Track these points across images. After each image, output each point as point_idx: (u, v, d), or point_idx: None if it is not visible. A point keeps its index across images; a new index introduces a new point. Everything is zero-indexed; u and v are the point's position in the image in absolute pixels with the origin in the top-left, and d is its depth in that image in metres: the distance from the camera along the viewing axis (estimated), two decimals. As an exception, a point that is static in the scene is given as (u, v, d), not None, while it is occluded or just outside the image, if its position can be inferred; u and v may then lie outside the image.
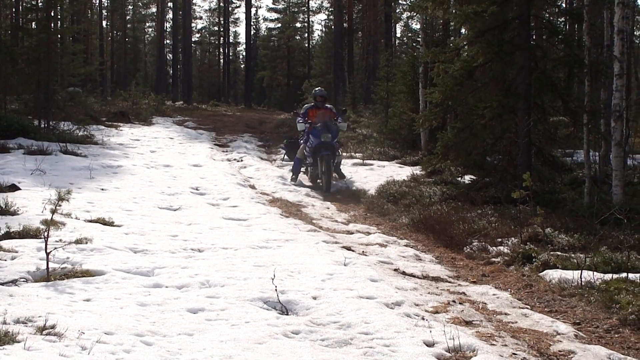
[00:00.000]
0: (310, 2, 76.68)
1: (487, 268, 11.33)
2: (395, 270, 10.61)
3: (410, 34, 59.82)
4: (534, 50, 16.45)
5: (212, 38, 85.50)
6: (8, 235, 10.23)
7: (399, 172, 21.13)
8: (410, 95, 26.59)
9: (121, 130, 29.65)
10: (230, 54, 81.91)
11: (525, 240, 11.96)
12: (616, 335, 7.98)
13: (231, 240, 11.64)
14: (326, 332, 7.18)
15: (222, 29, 78.79)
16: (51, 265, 8.56)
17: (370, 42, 53.14)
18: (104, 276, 8.69)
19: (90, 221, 11.95)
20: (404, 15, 60.14)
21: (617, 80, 14.02)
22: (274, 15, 78.18)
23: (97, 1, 63.79)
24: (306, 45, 74.47)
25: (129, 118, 33.90)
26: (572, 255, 10.97)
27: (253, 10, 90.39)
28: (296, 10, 76.46)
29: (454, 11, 18.04)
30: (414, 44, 44.23)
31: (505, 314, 8.64)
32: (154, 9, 75.60)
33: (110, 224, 11.99)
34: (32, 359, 5.72)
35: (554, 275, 10.20)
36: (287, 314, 7.87)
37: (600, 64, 16.33)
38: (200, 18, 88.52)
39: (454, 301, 8.89)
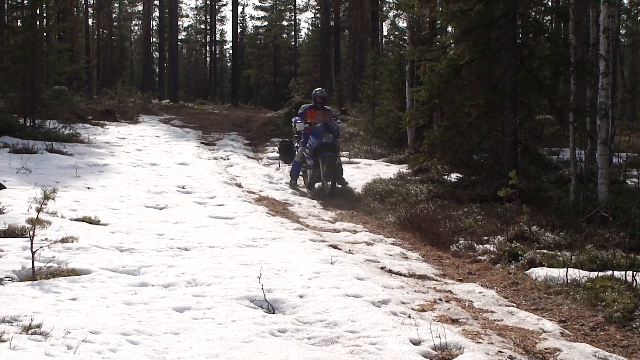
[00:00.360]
0: (297, 0, 76.54)
1: (474, 266, 11.36)
2: (381, 268, 10.62)
3: (396, 32, 59.79)
4: (520, 49, 16.48)
5: (198, 36, 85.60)
6: (-7, 234, 10.20)
7: (386, 170, 21.16)
8: (397, 93, 26.64)
9: (107, 128, 29.57)
10: (217, 52, 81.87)
11: (512, 239, 11.99)
12: (602, 333, 8.01)
13: (218, 238, 11.62)
14: (313, 331, 7.18)
15: (208, 27, 78.94)
16: (37, 264, 8.53)
17: (357, 41, 53.22)
18: (90, 275, 8.67)
19: (76, 220, 11.92)
20: (391, 14, 60.15)
21: (602, 79, 14.06)
22: (261, 14, 78.22)
23: (83, -1, 63.71)
24: (293, 43, 74.56)
25: (115, 116, 33.81)
26: (558, 253, 11.01)
27: (240, 8, 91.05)
28: (283, 8, 76.51)
29: (440, 9, 18.07)
30: (400, 42, 44.22)
31: (492, 311, 8.66)
32: (140, 7, 75.44)
33: (96, 222, 11.96)
34: (18, 358, 5.70)
35: (540, 273, 10.23)
36: (274, 313, 7.87)
37: (586, 63, 16.40)
38: (187, 16, 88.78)
39: (440, 299, 8.90)
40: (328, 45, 50.42)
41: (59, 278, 8.43)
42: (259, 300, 8.06)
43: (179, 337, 6.74)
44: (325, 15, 50.36)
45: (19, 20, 31.03)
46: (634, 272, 9.20)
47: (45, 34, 30.64)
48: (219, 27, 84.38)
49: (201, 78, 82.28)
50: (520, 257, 11.04)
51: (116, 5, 73.63)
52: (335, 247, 11.80)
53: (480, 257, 11.73)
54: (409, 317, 7.78)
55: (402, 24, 52.85)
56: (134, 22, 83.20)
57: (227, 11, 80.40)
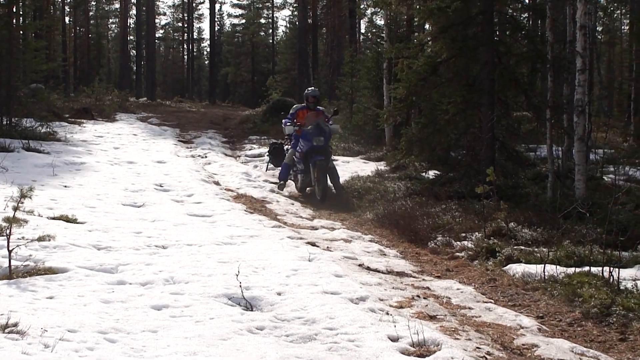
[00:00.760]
0: (275, -2, 76.47)
1: (451, 263, 11.38)
2: (359, 265, 10.62)
3: (374, 30, 59.88)
4: (498, 46, 16.53)
5: (176, 34, 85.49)
6: (-31, 233, 10.14)
7: (364, 167, 21.18)
8: (375, 91, 26.70)
9: (84, 127, 29.46)
10: (195, 50, 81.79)
11: (489, 235, 12.01)
12: (579, 329, 8.05)
13: (195, 236, 11.59)
14: (291, 328, 7.17)
15: (186, 25, 78.81)
16: (14, 262, 8.48)
17: (335, 38, 53.25)
18: (67, 273, 8.62)
19: (54, 218, 11.86)
20: (368, 11, 60.09)
21: (579, 76, 14.13)
22: (238, 11, 78.43)
23: (60, -3, 63.37)
24: (270, 41, 74.55)
25: (92, 115, 33.70)
26: (536, 249, 11.06)
27: (217, 6, 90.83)
28: (260, 6, 76.44)
29: (417, 7, 18.05)
30: (378, 40, 44.20)
31: (469, 308, 8.68)
32: (117, 5, 75.16)
33: (73, 221, 11.89)
34: (-6, 357, 5.68)
35: (517, 269, 10.27)
36: (252, 310, 7.85)
37: (563, 60, 16.46)
38: (164, 14, 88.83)
39: (418, 296, 8.91)
40: (306, 43, 50.43)
41: (36, 277, 8.38)
42: (237, 298, 8.04)
43: (156, 335, 6.72)
44: (302, 13, 50.33)
45: (-5, 19, 30.86)
46: (611, 268, 9.24)
47: (21, 32, 30.41)
48: (196, 25, 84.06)
49: (179, 76, 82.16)
50: (498, 254, 11.08)
51: (93, 3, 73.41)
52: (313, 244, 11.79)
53: (458, 254, 11.77)
54: (387, 313, 7.78)
55: (380, 21, 52.99)
56: (111, 20, 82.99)
57: (204, 9, 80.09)
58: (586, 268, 9.74)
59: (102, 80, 44.78)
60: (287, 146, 19.64)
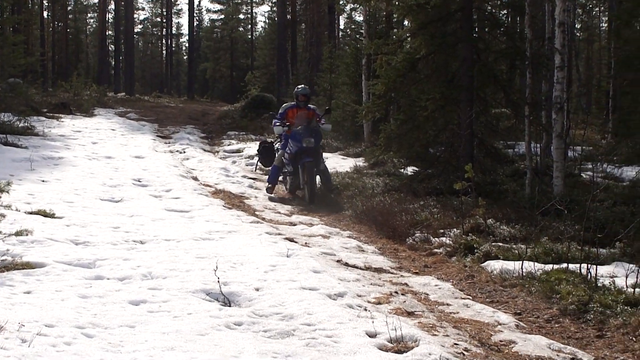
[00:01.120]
0: (254, -7, 76.28)
1: (429, 259, 11.41)
2: (338, 261, 10.62)
3: (353, 26, 59.69)
4: (477, 43, 16.57)
5: (154, 29, 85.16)
6: (-54, 228, 10.08)
7: (342, 163, 21.19)
8: (354, 87, 26.73)
9: (62, 121, 29.29)
10: (173, 45, 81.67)
11: (467, 232, 12.05)
12: (556, 325, 8.08)
13: (173, 232, 11.57)
14: (269, 324, 7.17)
15: (164, 20, 78.54)
16: (-10, 257, 8.46)
17: (314, 34, 53.27)
18: (45, 268, 8.59)
19: (31, 213, 11.81)
20: (348, 7, 59.92)
21: (558, 73, 14.16)
22: (217, 7, 77.75)
23: (38, -9, 63.05)
24: (250, 36, 74.31)
25: (70, 109, 33.52)
26: (514, 246, 11.08)
27: (196, 1, 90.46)
28: (239, 1, 76.12)
29: (396, 3, 18.09)
30: (357, 36, 44.24)
31: (447, 304, 8.70)
32: (95, 0, 74.95)
33: (51, 215, 11.85)
34: (-29, 352, 5.64)
35: (495, 266, 10.29)
36: (230, 306, 7.84)
37: (541, 57, 16.50)
38: (143, 9, 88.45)
39: (396, 292, 8.92)
40: (285, 39, 50.41)
41: (13, 271, 8.34)
42: (215, 294, 8.03)
43: (134, 330, 6.70)
44: (282, 8, 50.31)
45: (-28, 13, 30.71)
46: (589, 265, 9.28)
47: (-1, 26, 30.32)
48: (175, 20, 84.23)
49: (157, 71, 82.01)
50: (476, 250, 11.10)
51: (72, -3, 73.08)
52: (291, 240, 11.79)
53: (436, 250, 11.79)
54: (365, 309, 7.78)
55: (359, 17, 52.91)
56: (89, 15, 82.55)
57: (183, 4, 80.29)
58: (564, 265, 9.78)
59: (81, 75, 44.54)
60: (277, 145, 19.00)
